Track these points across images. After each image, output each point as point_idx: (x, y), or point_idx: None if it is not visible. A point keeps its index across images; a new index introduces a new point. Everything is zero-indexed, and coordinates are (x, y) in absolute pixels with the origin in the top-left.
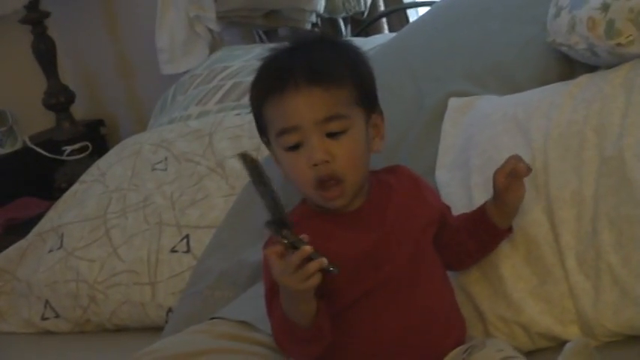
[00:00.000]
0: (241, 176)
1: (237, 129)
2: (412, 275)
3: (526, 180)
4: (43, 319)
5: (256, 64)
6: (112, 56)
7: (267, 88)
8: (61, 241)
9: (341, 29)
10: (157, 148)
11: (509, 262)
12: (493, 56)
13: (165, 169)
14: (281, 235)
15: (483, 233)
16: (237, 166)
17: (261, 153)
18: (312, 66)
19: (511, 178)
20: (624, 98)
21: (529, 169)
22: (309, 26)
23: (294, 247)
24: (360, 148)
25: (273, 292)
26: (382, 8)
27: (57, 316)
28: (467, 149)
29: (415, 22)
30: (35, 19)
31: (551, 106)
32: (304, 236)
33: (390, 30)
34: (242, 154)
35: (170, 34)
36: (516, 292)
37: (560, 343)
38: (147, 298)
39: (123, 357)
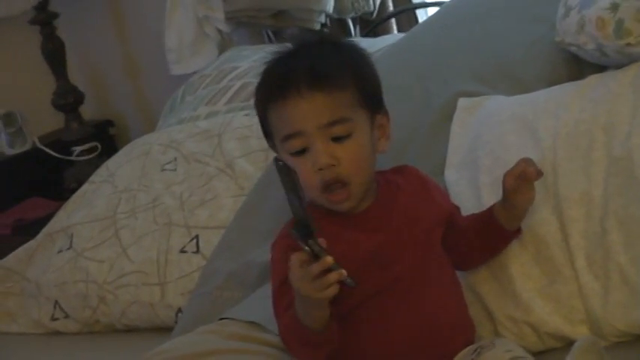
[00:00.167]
0: (250, 177)
1: (246, 129)
2: (421, 275)
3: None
4: (53, 319)
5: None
6: (120, 57)
7: (270, 93)
8: (71, 242)
9: (350, 29)
10: (166, 148)
11: (518, 262)
12: (501, 56)
13: (175, 170)
14: (306, 245)
15: (491, 234)
16: (246, 166)
17: (271, 154)
18: (314, 70)
19: (520, 180)
20: (633, 98)
21: (539, 174)
22: (317, 26)
23: (316, 256)
24: (365, 150)
25: (280, 292)
26: (391, 8)
27: (66, 316)
28: (475, 149)
29: (424, 22)
30: (44, 19)
31: (560, 106)
32: (322, 240)
33: (399, 30)
34: (276, 159)
35: (179, 34)
36: (525, 291)
37: (569, 343)
38: (156, 299)
39: (132, 357)
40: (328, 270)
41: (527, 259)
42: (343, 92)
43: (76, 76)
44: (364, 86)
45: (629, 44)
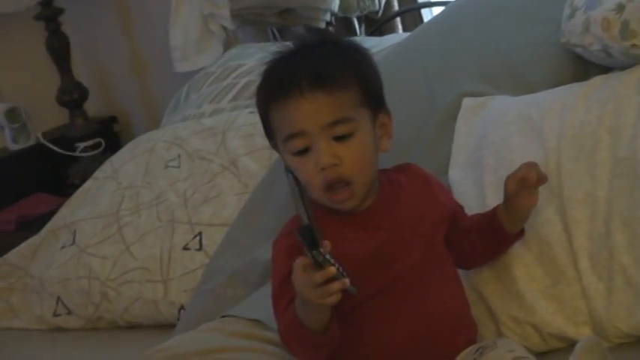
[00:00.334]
0: (254, 174)
1: (251, 127)
2: (423, 274)
3: None
4: (55, 315)
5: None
6: (125, 53)
7: (271, 94)
8: (74, 238)
9: (355, 28)
10: (170, 145)
11: (521, 263)
12: (507, 56)
13: (179, 167)
14: (311, 255)
15: (494, 236)
16: (250, 164)
17: (275, 152)
18: (315, 70)
19: (521, 185)
20: (638, 99)
21: (542, 179)
22: (323, 25)
23: (320, 265)
24: (367, 149)
25: (280, 291)
26: (396, 8)
27: (69, 312)
28: (480, 149)
29: (429, 21)
30: (49, 15)
31: (565, 106)
32: (327, 244)
33: (404, 29)
34: (287, 168)
35: (184, 31)
36: (529, 292)
37: (572, 344)
38: (159, 296)
39: (135, 354)
40: (331, 278)
41: (530, 260)
42: (345, 92)
43: (80, 72)
44: (366, 85)
45: (634, 45)
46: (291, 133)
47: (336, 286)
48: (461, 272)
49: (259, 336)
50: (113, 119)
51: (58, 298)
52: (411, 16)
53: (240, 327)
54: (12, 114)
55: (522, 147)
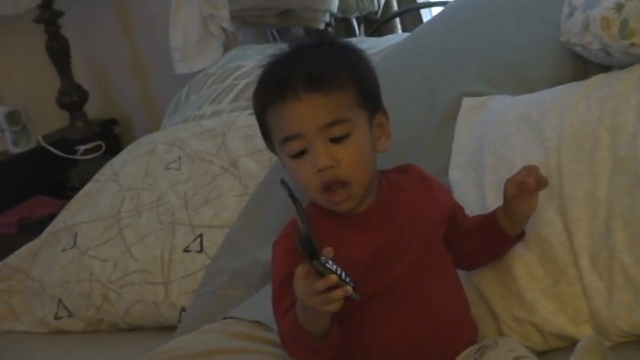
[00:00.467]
0: (254, 176)
1: (250, 129)
2: (423, 274)
3: None
4: (56, 318)
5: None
6: (125, 55)
7: (268, 96)
8: (75, 241)
9: (354, 29)
10: (170, 147)
11: (522, 262)
12: (506, 56)
13: (179, 169)
14: (311, 265)
15: (494, 238)
16: (250, 165)
17: None
18: (311, 72)
19: (521, 189)
20: (638, 98)
21: (541, 184)
22: (322, 26)
23: (321, 274)
24: (364, 150)
25: (280, 294)
26: (395, 8)
27: (70, 315)
28: (480, 148)
29: (428, 22)
30: (49, 18)
31: (565, 106)
32: (329, 250)
33: (404, 30)
34: (282, 180)
35: (184, 33)
36: (530, 291)
37: (574, 343)
38: (160, 298)
39: (136, 356)
40: (333, 286)
41: (531, 260)
42: (341, 93)
43: (80, 74)
44: (362, 86)
45: (633, 44)
46: (287, 135)
47: (337, 294)
48: (462, 272)
49: (260, 337)
50: (113, 121)
51: (59, 301)
52: (411, 16)
53: (241, 328)
54: (12, 117)
55: (522, 146)
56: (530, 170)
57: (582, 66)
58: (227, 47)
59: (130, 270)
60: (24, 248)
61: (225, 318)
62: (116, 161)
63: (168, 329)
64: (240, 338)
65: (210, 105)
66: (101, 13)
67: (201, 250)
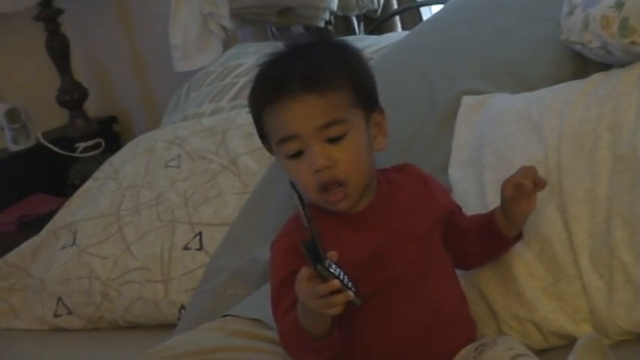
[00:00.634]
0: (254, 174)
1: (250, 127)
2: (421, 274)
3: None
4: (56, 315)
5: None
6: (125, 53)
7: (264, 97)
8: (74, 238)
9: (354, 27)
10: (170, 145)
11: (522, 261)
12: (506, 54)
13: (179, 167)
14: (315, 269)
15: (491, 239)
16: (250, 163)
17: None
18: (307, 73)
19: (518, 190)
20: (638, 96)
21: (539, 185)
22: (322, 24)
23: (324, 278)
24: (361, 150)
25: (279, 294)
26: (395, 6)
27: (69, 313)
28: (480, 147)
29: (428, 20)
30: (48, 16)
31: (565, 104)
32: (333, 254)
33: (403, 28)
34: (292, 183)
35: (184, 31)
36: (529, 290)
37: (574, 342)
38: (160, 296)
39: (136, 354)
40: (335, 291)
41: (531, 258)
42: (337, 93)
43: (80, 72)
44: (358, 86)
45: (633, 42)
46: (284, 136)
47: (339, 298)
48: (462, 271)
49: (260, 335)
50: (113, 119)
51: (59, 299)
52: (410, 14)
53: (240, 326)
54: (12, 115)
55: (522, 145)
56: (528, 172)
57: (582, 64)
58: (227, 45)
59: (130, 268)
60: (23, 246)
61: (224, 316)
62: (116, 159)
63: (167, 327)
64: (239, 336)
65: (210, 103)
66: (101, 11)
67: (200, 248)
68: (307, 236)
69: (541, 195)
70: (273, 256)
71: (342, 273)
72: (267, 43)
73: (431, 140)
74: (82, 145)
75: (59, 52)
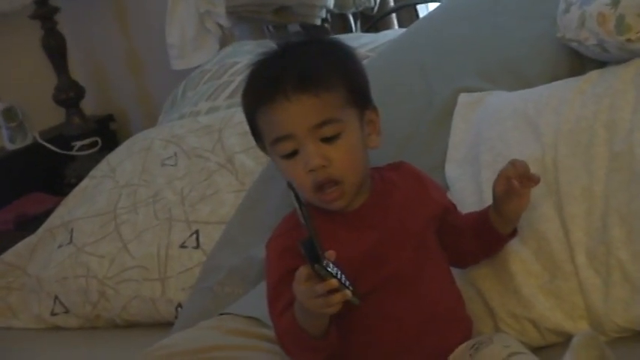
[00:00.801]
0: (251, 172)
1: (247, 125)
2: (416, 272)
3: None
4: (53, 314)
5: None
6: (122, 51)
7: (257, 97)
8: (71, 237)
9: (351, 25)
10: (166, 143)
11: (518, 258)
12: (503, 52)
13: (175, 165)
14: (312, 268)
15: (486, 236)
16: (247, 161)
17: None
18: (300, 73)
19: (508, 189)
20: (635, 93)
21: (530, 182)
22: (319, 22)
23: (322, 277)
24: (356, 149)
25: (275, 294)
26: (392, 4)
27: (66, 311)
28: (477, 145)
29: (425, 17)
30: (45, 14)
31: (561, 101)
32: (331, 253)
33: (400, 25)
34: (289, 183)
35: (180, 29)
36: (526, 287)
37: (570, 339)
38: (157, 294)
39: (133, 353)
40: (334, 290)
41: (527, 255)
42: (331, 92)
43: (77, 70)
44: (352, 84)
45: (629, 40)
46: (278, 136)
47: (337, 297)
48: (459, 269)
49: (257, 333)
50: (110, 118)
51: (56, 297)
52: (407, 12)
53: (237, 325)
54: (9, 113)
55: (519, 143)
56: (518, 166)
57: (579, 62)
58: (223, 43)
59: (127, 266)
60: (20, 245)
61: (221, 314)
62: (112, 157)
63: (165, 326)
64: (236, 335)
65: (207, 101)
66: (97, 10)
67: (197, 247)
68: (304, 235)
69: (537, 192)
70: (269, 255)
71: (339, 272)
72: (264, 41)
73: (428, 138)
74: (78, 143)
75: (56, 50)
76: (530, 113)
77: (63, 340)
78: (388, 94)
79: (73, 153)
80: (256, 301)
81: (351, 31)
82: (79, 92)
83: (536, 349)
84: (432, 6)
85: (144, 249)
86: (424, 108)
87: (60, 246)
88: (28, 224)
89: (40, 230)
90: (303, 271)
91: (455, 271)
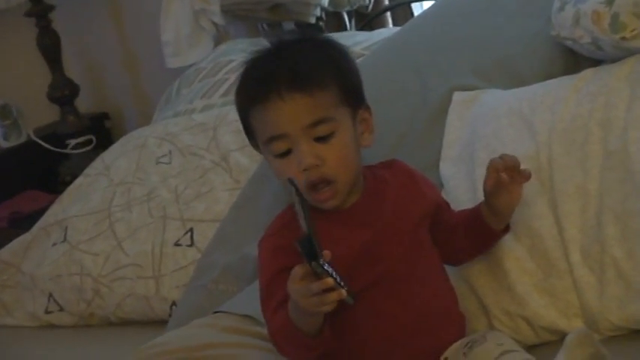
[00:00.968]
0: (245, 170)
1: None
2: (409, 269)
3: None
4: (47, 312)
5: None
6: (116, 49)
7: (250, 96)
8: (65, 235)
9: (345, 23)
10: (161, 141)
11: (513, 256)
12: (498, 50)
13: (170, 163)
14: (310, 265)
15: (479, 233)
16: (241, 159)
17: None
18: (294, 72)
19: (498, 185)
20: (629, 92)
21: (521, 177)
22: (313, 20)
23: (318, 275)
24: (349, 148)
25: (268, 293)
26: (387, 2)
27: (61, 309)
28: (472, 143)
29: (420, 16)
30: (39, 12)
31: (556, 100)
32: (327, 253)
33: (395, 24)
34: (290, 179)
35: (175, 27)
36: (520, 285)
37: (564, 336)
38: (151, 292)
39: (127, 350)
40: (329, 289)
41: (522, 253)
42: (324, 92)
43: (71, 68)
44: (345, 83)
45: (624, 38)
46: (272, 135)
47: (332, 296)
48: (452, 266)
49: (251, 331)
50: (104, 116)
51: (50, 295)
52: (402, 10)
53: (231, 322)
54: (3, 111)
55: (513, 141)
56: (507, 160)
57: (573, 60)
58: (218, 41)
59: (121, 264)
60: (15, 242)
61: (216, 312)
62: (107, 155)
63: (159, 323)
64: (230, 332)
65: (201, 99)
66: (92, 7)
67: (191, 244)
68: (298, 234)
69: (532, 190)
70: (261, 254)
71: (334, 272)
72: (259, 39)
73: (422, 136)
74: (73, 141)
75: (50, 48)
76: (525, 111)
77: (57, 337)
78: (383, 92)
79: (68, 151)
80: (250, 298)
81: (345, 29)
82: (74, 90)
83: (530, 347)
84: (427, 4)
85: (138, 247)
86: (419, 106)
87: (54, 244)
88: (23, 222)
89: (35, 228)
90: (298, 270)
91: (449, 269)
